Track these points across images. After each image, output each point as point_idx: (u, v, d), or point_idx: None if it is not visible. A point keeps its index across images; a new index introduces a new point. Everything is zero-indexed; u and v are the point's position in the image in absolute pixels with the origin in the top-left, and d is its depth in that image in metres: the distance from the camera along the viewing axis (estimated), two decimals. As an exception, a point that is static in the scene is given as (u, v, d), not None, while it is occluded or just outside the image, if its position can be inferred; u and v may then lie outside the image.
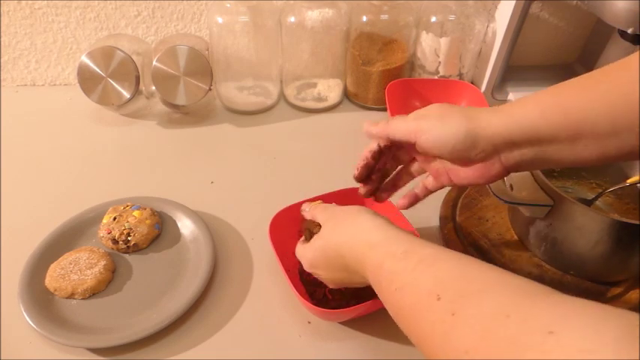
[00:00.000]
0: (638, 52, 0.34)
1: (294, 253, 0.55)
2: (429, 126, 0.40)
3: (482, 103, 0.76)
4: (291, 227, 0.55)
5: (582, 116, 0.34)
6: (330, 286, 0.45)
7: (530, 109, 0.36)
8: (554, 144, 0.36)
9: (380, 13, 0.78)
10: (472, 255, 0.54)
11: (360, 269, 0.38)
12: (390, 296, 0.33)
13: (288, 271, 0.49)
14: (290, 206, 0.54)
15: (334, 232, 0.42)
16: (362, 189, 0.49)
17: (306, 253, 0.44)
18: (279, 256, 0.50)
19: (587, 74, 0.36)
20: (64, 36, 0.84)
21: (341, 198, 0.54)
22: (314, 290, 0.51)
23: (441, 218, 0.61)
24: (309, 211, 0.48)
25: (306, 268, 0.45)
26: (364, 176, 0.47)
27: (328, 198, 0.55)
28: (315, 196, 0.56)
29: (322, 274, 0.44)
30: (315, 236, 0.44)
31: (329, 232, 0.42)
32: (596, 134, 0.34)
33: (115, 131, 0.78)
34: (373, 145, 0.46)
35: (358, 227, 0.40)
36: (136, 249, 0.56)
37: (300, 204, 0.54)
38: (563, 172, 0.63)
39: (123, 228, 0.55)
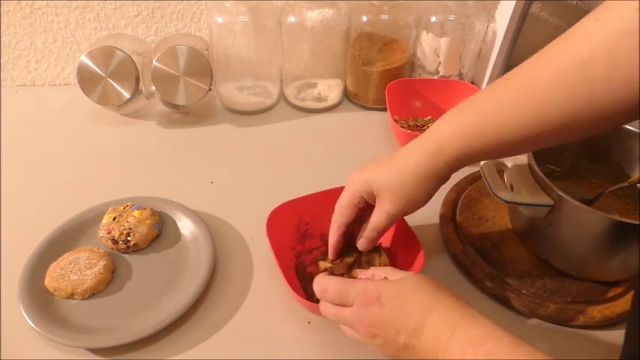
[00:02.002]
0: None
1: (291, 248, 0.55)
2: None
3: (482, 103, 0.76)
4: (289, 223, 0.55)
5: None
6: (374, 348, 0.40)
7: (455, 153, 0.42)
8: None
9: (380, 13, 0.78)
10: (472, 255, 0.55)
11: (443, 343, 0.35)
12: None
13: (287, 269, 0.50)
14: (287, 202, 0.55)
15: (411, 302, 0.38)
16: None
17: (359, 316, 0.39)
18: (277, 254, 0.50)
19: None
20: (64, 36, 0.84)
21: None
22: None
23: (440, 218, 0.61)
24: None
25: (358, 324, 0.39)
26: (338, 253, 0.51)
27: (328, 195, 0.55)
28: (313, 192, 0.56)
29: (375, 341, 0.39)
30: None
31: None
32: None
33: (115, 131, 0.78)
34: (339, 231, 0.49)
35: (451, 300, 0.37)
36: (136, 249, 0.56)
37: (297, 200, 0.54)
38: (563, 172, 0.63)
39: (123, 228, 0.55)
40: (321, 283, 0.42)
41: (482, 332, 0.34)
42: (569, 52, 0.35)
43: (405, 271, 0.42)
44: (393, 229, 0.55)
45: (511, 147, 0.40)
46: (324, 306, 0.42)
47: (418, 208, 0.46)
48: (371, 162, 0.47)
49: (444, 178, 0.44)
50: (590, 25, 0.34)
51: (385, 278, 0.42)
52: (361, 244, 0.49)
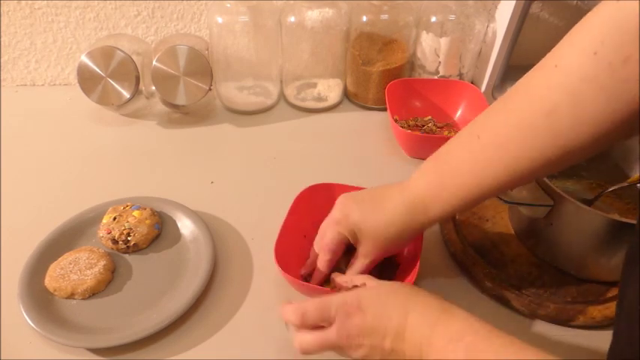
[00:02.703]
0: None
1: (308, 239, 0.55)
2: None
3: (482, 103, 0.76)
4: (326, 204, 0.55)
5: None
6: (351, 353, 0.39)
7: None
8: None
9: (380, 13, 0.78)
10: (472, 255, 0.55)
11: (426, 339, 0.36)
12: None
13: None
14: (335, 184, 0.57)
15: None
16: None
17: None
18: (290, 224, 0.52)
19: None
20: (64, 36, 0.84)
21: (304, 201, 0.56)
22: None
23: (441, 218, 0.61)
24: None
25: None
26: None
27: (295, 206, 0.56)
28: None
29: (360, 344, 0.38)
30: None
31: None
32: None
33: (115, 131, 0.78)
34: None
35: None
36: (136, 249, 0.56)
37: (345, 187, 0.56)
38: (563, 172, 0.63)
39: (123, 228, 0.55)
40: (298, 310, 0.40)
41: (461, 325, 0.35)
42: (535, 103, 0.36)
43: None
44: None
45: (487, 196, 0.42)
46: (304, 338, 0.39)
47: (397, 251, 0.50)
48: (354, 203, 0.48)
49: (424, 229, 0.47)
50: (550, 73, 0.35)
51: (364, 284, 0.43)
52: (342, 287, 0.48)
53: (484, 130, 0.40)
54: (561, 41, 0.35)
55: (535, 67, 0.37)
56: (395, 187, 0.47)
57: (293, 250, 0.53)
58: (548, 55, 0.36)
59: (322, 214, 0.53)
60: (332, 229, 0.48)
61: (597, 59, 0.31)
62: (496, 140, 0.39)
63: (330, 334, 0.38)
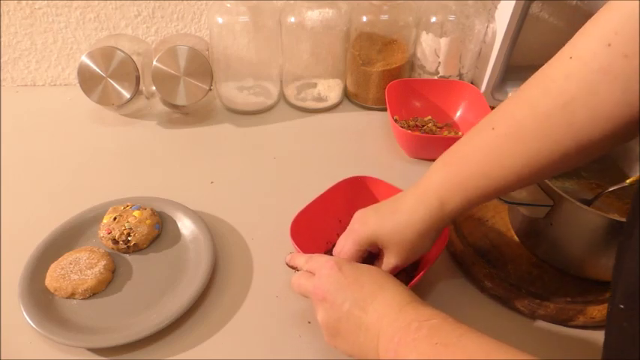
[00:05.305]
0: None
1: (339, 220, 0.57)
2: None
3: (482, 104, 0.76)
4: (358, 197, 0.56)
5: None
6: (324, 328, 0.42)
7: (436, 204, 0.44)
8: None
9: (380, 13, 0.78)
10: (471, 255, 0.55)
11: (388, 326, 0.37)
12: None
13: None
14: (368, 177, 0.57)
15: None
16: None
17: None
18: (313, 211, 0.53)
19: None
20: (65, 36, 0.84)
21: (343, 189, 0.56)
22: None
23: (440, 218, 0.61)
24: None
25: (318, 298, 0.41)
26: None
27: (331, 192, 0.55)
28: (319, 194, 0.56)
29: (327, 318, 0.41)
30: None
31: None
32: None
33: (115, 131, 0.78)
34: None
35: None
36: (136, 249, 0.56)
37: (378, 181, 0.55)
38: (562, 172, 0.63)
39: (123, 228, 0.55)
40: (301, 255, 0.47)
41: (430, 311, 0.37)
42: (551, 94, 0.36)
43: None
44: None
45: (508, 189, 0.42)
46: (294, 277, 0.45)
47: (423, 253, 0.48)
48: (371, 211, 0.48)
49: (445, 225, 0.46)
50: (565, 64, 0.35)
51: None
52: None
53: (498, 122, 0.40)
54: (576, 35, 0.35)
55: (550, 60, 0.37)
56: (409, 189, 0.47)
57: (314, 229, 0.54)
58: (563, 49, 0.36)
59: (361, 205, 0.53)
60: (350, 239, 0.47)
61: (611, 50, 0.31)
62: (511, 131, 0.38)
63: (309, 280, 0.43)
